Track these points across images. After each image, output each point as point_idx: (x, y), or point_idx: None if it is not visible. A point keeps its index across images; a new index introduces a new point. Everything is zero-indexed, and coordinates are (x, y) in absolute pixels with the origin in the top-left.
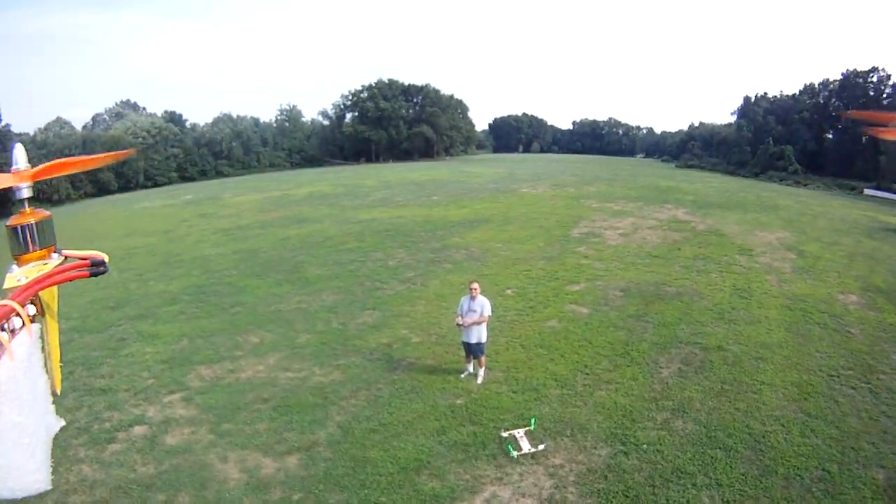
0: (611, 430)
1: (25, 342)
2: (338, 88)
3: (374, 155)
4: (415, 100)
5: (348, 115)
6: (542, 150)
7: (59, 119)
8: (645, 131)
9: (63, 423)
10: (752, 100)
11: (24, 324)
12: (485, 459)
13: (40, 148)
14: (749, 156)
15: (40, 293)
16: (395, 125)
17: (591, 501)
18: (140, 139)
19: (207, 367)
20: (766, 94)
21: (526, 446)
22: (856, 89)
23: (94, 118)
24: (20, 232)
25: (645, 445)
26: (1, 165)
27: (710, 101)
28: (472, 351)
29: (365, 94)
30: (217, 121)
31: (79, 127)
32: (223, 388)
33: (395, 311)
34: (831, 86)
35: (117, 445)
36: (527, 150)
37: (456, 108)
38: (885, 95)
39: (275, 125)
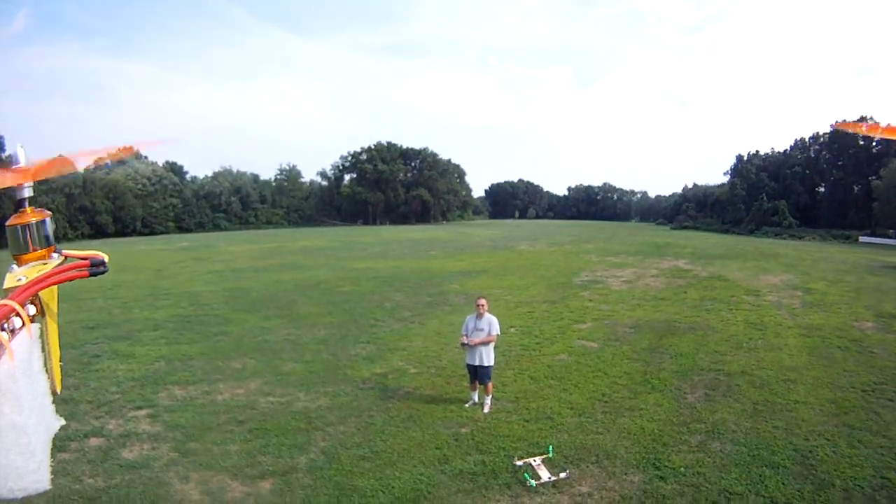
0: (641, 455)
1: (25, 342)
2: (337, 150)
3: (372, 217)
4: (413, 163)
5: (346, 177)
6: (537, 216)
7: (60, 156)
8: (639, 195)
9: (63, 422)
10: (745, 158)
11: (24, 324)
12: (497, 489)
13: (41, 184)
14: (744, 213)
15: (40, 293)
16: (393, 188)
17: None
18: (140, 186)
19: (181, 388)
20: (758, 151)
21: (545, 475)
22: (846, 140)
23: (96, 161)
24: (20, 232)
25: (682, 469)
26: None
27: (703, 163)
28: (479, 376)
29: (364, 157)
30: (217, 174)
31: (80, 168)
32: (195, 407)
33: (390, 346)
34: (821, 139)
35: (67, 455)
36: (523, 215)
37: (453, 172)
38: (874, 144)
39: (274, 183)
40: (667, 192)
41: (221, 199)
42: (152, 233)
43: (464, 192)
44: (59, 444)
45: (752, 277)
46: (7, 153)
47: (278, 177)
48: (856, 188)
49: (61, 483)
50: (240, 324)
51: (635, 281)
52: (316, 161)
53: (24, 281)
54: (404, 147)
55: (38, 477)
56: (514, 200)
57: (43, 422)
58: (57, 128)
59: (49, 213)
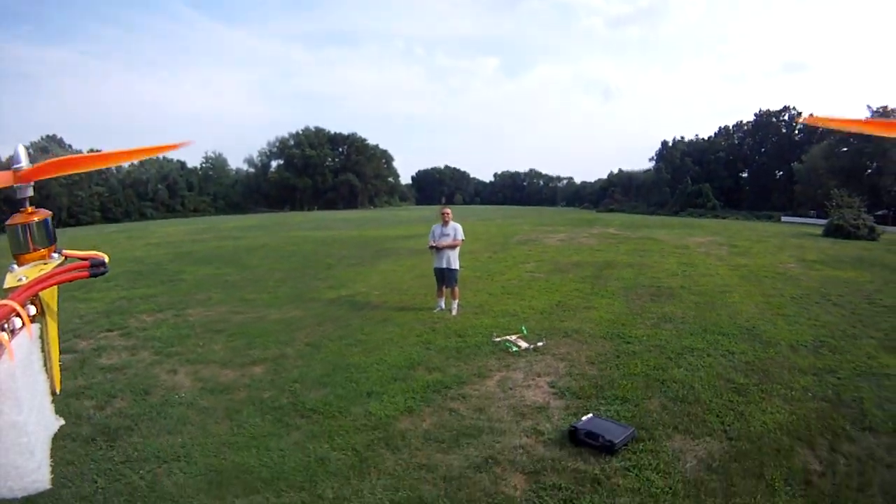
0: (606, 331)
1: (25, 342)
2: (264, 139)
3: (300, 203)
4: (341, 148)
5: (274, 163)
6: (464, 202)
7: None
8: (565, 182)
9: (62, 422)
10: (670, 143)
11: (24, 324)
12: (483, 356)
13: None
14: (669, 196)
15: (40, 293)
16: (321, 173)
17: (616, 373)
18: (64, 175)
19: (149, 315)
20: (683, 137)
21: (524, 345)
22: (768, 128)
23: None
24: (20, 231)
25: (644, 337)
26: None
27: (628, 151)
28: (446, 279)
29: (291, 142)
30: (143, 162)
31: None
32: (168, 325)
33: (349, 280)
34: (745, 127)
35: None
36: (450, 201)
37: (381, 157)
38: (796, 132)
39: (200, 171)
40: (592, 179)
41: (148, 187)
42: (78, 223)
43: (391, 178)
44: None
45: (679, 238)
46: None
47: (204, 165)
48: (778, 173)
49: None
50: (193, 273)
51: (569, 240)
52: (243, 150)
53: (24, 281)
54: (332, 132)
55: (38, 477)
56: (440, 187)
57: (42, 421)
58: None
59: (49, 212)
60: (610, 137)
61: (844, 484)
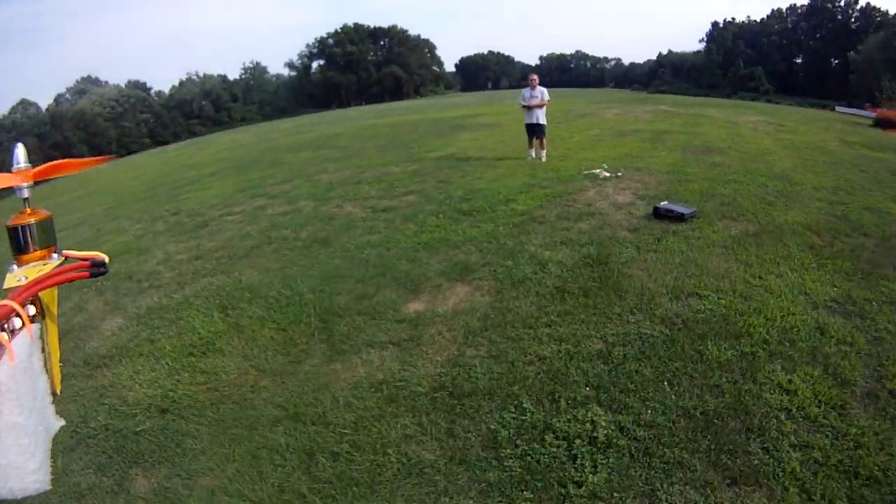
0: (667, 169)
1: (25, 342)
2: (299, 44)
3: (346, 101)
4: (382, 42)
5: (314, 64)
6: (510, 87)
7: (23, 100)
8: (613, 63)
9: (63, 422)
10: (721, 25)
11: (24, 324)
12: (579, 180)
13: (9, 131)
14: (720, 79)
15: (40, 294)
16: (365, 68)
17: (679, 188)
18: (108, 109)
19: (279, 185)
20: (734, 19)
21: (608, 174)
22: (823, 14)
23: (56, 98)
24: (20, 232)
25: (696, 172)
26: None
27: (678, 31)
28: (536, 133)
29: (331, 41)
30: (183, 83)
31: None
32: (307, 186)
33: (441, 146)
34: (799, 10)
35: (233, 216)
36: (496, 87)
37: (423, 47)
38: (852, 20)
39: (240, 82)
40: (641, 60)
41: (193, 106)
42: (129, 152)
43: (435, 67)
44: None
45: (730, 116)
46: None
47: (244, 75)
48: (834, 61)
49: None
50: (292, 157)
51: (625, 115)
52: (280, 56)
53: (24, 281)
54: (372, 27)
55: (39, 477)
56: (485, 72)
57: (43, 422)
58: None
59: (49, 213)
60: (657, 16)
61: (839, 250)
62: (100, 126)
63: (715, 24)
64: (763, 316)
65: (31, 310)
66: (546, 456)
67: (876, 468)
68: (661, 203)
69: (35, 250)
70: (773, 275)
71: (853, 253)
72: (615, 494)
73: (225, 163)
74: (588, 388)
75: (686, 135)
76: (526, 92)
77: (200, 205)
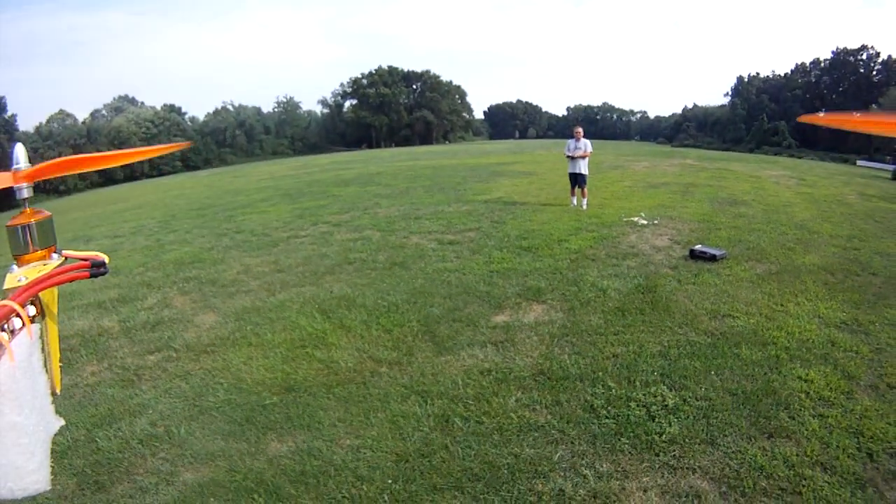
0: (699, 218)
1: (25, 342)
2: (333, 82)
3: (375, 141)
4: (414, 86)
5: (347, 103)
6: (537, 136)
7: (61, 111)
8: (639, 115)
9: (63, 422)
10: (746, 79)
11: (24, 324)
12: (620, 226)
13: (46, 139)
14: (744, 133)
15: (40, 294)
16: (396, 110)
17: (710, 235)
18: (144, 129)
19: (337, 216)
20: (758, 74)
21: (646, 222)
22: (846, 67)
23: (92, 114)
24: (20, 232)
25: (725, 221)
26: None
27: (703, 85)
28: (578, 182)
29: (365, 81)
30: (218, 111)
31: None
32: (367, 217)
33: (485, 190)
34: (822, 64)
35: (305, 235)
36: (523, 136)
37: (454, 93)
38: (874, 73)
39: (274, 116)
40: (667, 113)
41: (226, 134)
42: (160, 174)
43: (466, 113)
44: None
45: (753, 171)
46: (9, 114)
47: (276, 109)
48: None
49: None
50: (341, 191)
51: (653, 168)
52: (313, 93)
53: (24, 281)
54: (406, 70)
55: (39, 477)
56: (513, 121)
57: (43, 422)
58: (42, 91)
59: (49, 213)
60: (683, 70)
61: (849, 286)
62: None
63: (740, 79)
64: (784, 331)
65: (32, 310)
66: (633, 416)
67: (878, 430)
68: (696, 246)
69: (35, 250)
70: (792, 303)
71: (862, 288)
72: (687, 441)
73: (271, 191)
74: (655, 374)
75: (712, 188)
76: (571, 143)
77: (262, 226)
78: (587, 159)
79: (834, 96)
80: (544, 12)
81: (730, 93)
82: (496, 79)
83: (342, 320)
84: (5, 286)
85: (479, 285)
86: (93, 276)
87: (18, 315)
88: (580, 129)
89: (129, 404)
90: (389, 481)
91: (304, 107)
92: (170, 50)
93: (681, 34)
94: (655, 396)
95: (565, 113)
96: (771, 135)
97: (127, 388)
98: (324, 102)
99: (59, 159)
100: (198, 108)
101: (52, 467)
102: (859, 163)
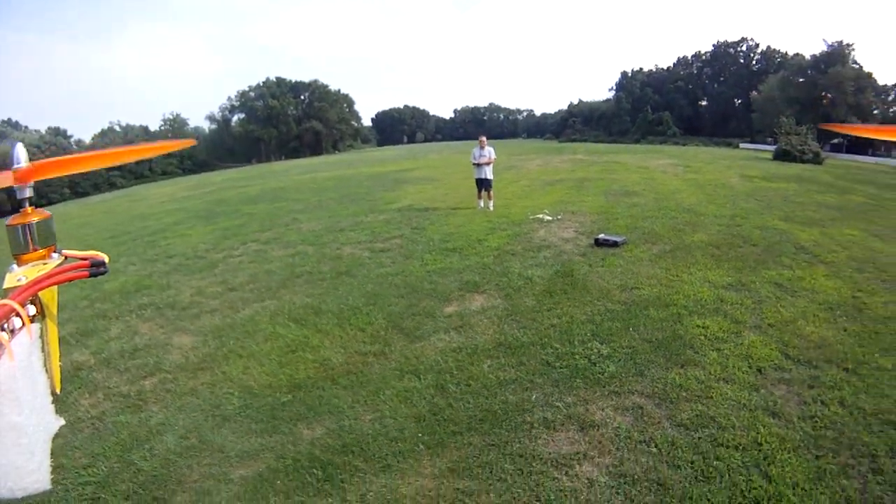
0: (597, 211)
1: (25, 342)
2: (222, 96)
3: (265, 155)
4: (303, 96)
5: (235, 117)
6: (426, 140)
7: (63, 157)
8: (525, 114)
9: (62, 422)
10: (630, 74)
11: (23, 324)
12: (528, 223)
13: None
14: (629, 125)
15: (40, 294)
16: (285, 122)
17: (610, 225)
18: (30, 154)
19: (261, 233)
20: (641, 68)
21: (550, 218)
22: (726, 58)
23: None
24: (20, 232)
25: (620, 212)
26: None
27: (588, 82)
28: (485, 186)
29: (253, 94)
30: (105, 133)
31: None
32: (293, 233)
33: (393, 199)
34: (703, 57)
35: (245, 250)
36: (411, 140)
37: (343, 102)
38: (754, 62)
39: (161, 135)
40: (553, 110)
41: None
42: (49, 202)
43: (354, 122)
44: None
45: (641, 161)
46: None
47: (163, 127)
48: (737, 101)
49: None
50: (252, 210)
51: (546, 165)
52: (201, 109)
53: (24, 281)
54: (293, 81)
55: (38, 477)
56: (401, 126)
57: (42, 422)
58: None
59: (49, 213)
60: (568, 69)
61: (732, 256)
62: None
63: (624, 74)
64: (682, 294)
65: (32, 310)
66: (579, 364)
67: (763, 354)
68: (600, 234)
69: (35, 250)
70: (686, 273)
71: (744, 257)
72: (622, 375)
73: (180, 213)
74: (588, 335)
75: (605, 181)
76: (476, 151)
77: (192, 249)
78: (492, 165)
79: (716, 86)
80: (430, 18)
81: (614, 87)
82: (383, 85)
83: (317, 325)
84: (5, 285)
85: (424, 284)
86: (92, 275)
87: (18, 314)
88: (484, 138)
89: (148, 426)
90: (419, 434)
91: (192, 123)
92: (53, 70)
93: (564, 34)
94: (592, 350)
95: (452, 115)
96: (656, 125)
97: (137, 413)
98: (211, 118)
99: (58, 158)
100: (84, 130)
101: (52, 467)
102: (742, 146)
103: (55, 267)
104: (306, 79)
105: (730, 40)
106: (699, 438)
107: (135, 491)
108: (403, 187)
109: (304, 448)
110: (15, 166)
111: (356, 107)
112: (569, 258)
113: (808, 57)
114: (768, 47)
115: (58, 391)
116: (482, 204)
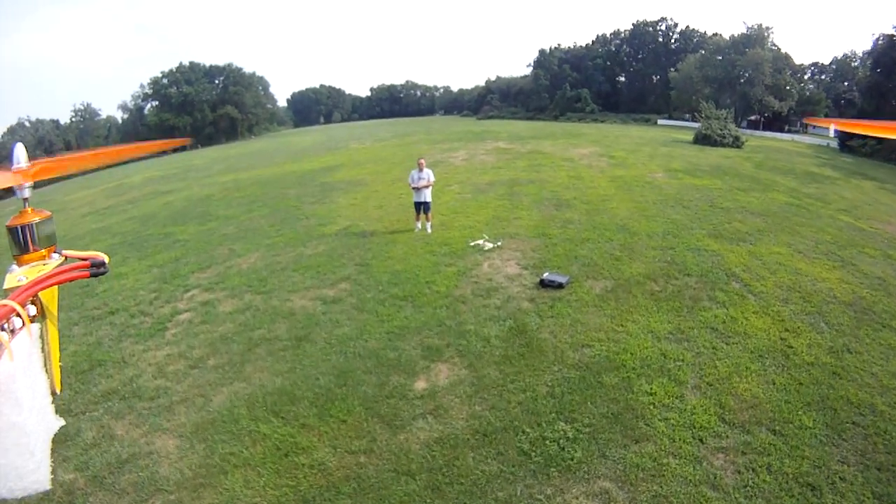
0: (534, 233)
1: (25, 342)
2: (136, 82)
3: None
4: (217, 81)
5: (148, 105)
6: (343, 120)
7: (63, 157)
8: (442, 90)
9: (62, 422)
10: (548, 51)
11: (24, 324)
12: (470, 254)
13: None
14: (548, 101)
15: (40, 294)
16: (200, 109)
17: (550, 254)
18: None
19: (201, 275)
20: (560, 45)
21: (490, 245)
22: (645, 37)
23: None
24: (20, 232)
25: (558, 234)
26: None
27: (505, 58)
28: (424, 209)
29: (166, 81)
30: (14, 129)
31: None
32: (237, 273)
33: (328, 217)
34: (622, 35)
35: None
36: (328, 120)
37: (257, 84)
38: (673, 42)
39: (72, 127)
40: (470, 86)
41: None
42: None
43: (269, 104)
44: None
45: (564, 150)
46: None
47: (74, 118)
48: (655, 78)
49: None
50: (182, 233)
51: (471, 159)
52: (114, 98)
53: (24, 281)
54: (208, 66)
55: (38, 477)
56: (317, 107)
57: (42, 422)
58: None
59: (49, 213)
60: (485, 46)
61: (670, 293)
62: None
63: (542, 51)
64: (629, 353)
65: (32, 310)
66: (551, 451)
67: (703, 421)
68: (544, 274)
69: (35, 250)
70: (630, 322)
71: (680, 293)
72: (588, 459)
73: (107, 238)
74: (552, 413)
75: (535, 184)
76: (414, 174)
77: (133, 300)
78: (430, 188)
79: (634, 63)
80: None
81: (532, 64)
82: (299, 65)
83: (298, 419)
84: (5, 286)
85: (387, 352)
86: (93, 275)
87: (18, 315)
88: (422, 161)
89: None
90: None
91: (104, 113)
92: None
93: (482, 10)
94: (559, 432)
95: (369, 94)
96: (574, 101)
97: None
98: (124, 107)
99: (58, 158)
100: None
101: (52, 467)
102: (660, 122)
103: (55, 267)
104: (221, 62)
105: (650, 20)
106: None
107: None
108: (333, 197)
109: None
110: (15, 166)
111: (272, 89)
112: (518, 305)
113: (726, 37)
114: (687, 27)
115: (58, 391)
116: (420, 226)
